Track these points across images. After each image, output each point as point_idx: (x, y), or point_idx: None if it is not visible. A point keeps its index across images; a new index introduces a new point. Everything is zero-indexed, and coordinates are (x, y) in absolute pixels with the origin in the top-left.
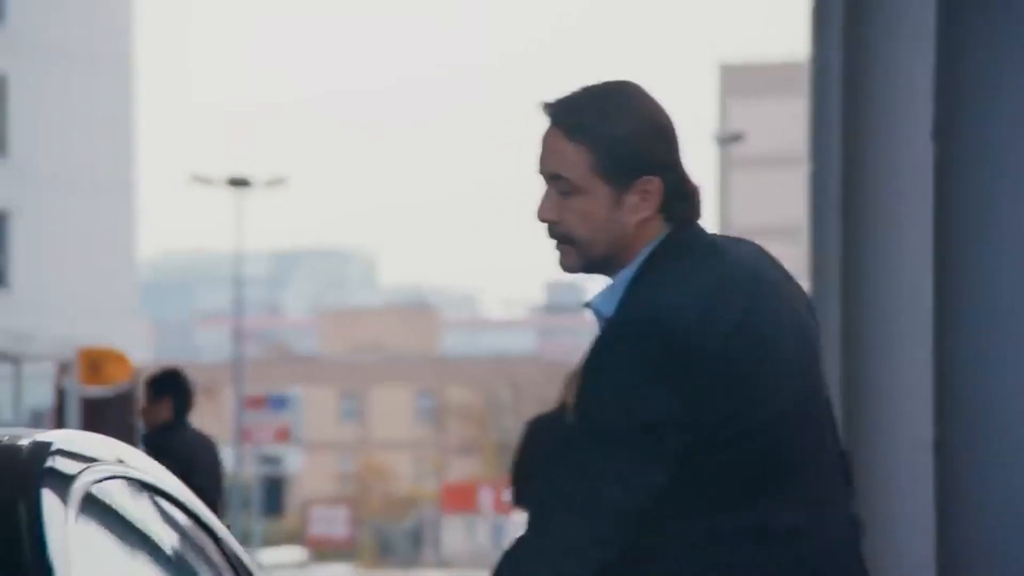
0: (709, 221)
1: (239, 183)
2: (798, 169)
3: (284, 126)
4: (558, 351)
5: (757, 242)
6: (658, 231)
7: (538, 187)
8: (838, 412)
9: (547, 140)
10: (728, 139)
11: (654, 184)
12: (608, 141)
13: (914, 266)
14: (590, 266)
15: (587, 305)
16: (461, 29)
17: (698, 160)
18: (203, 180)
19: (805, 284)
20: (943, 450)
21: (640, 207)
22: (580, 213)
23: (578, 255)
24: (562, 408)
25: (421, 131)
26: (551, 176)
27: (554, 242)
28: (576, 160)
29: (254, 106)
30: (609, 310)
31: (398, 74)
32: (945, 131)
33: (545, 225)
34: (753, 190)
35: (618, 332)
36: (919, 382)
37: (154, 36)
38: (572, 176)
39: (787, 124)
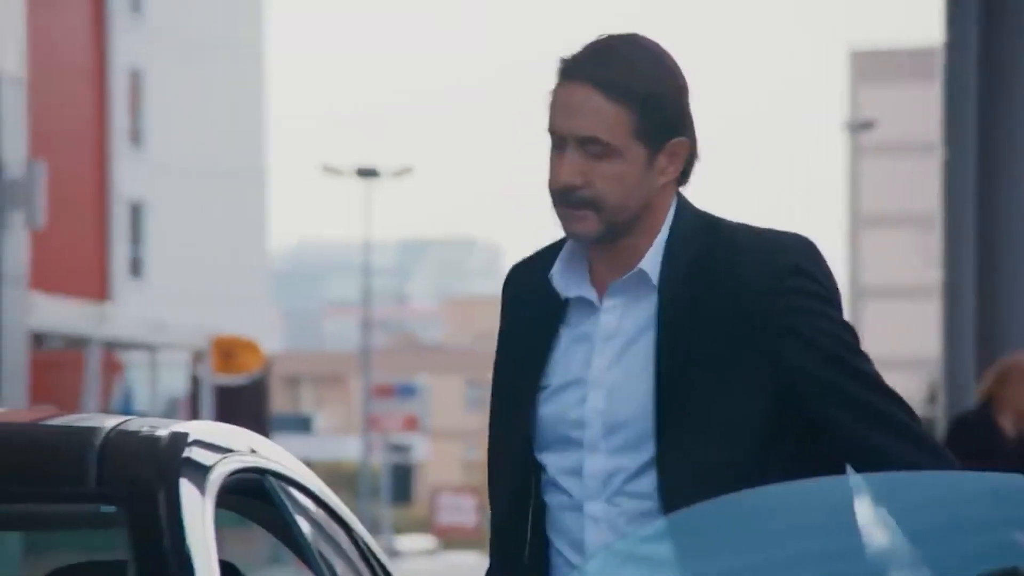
0: (839, 209)
1: (368, 173)
2: (931, 157)
3: (411, 116)
4: None
5: (889, 231)
6: (672, 193)
7: (549, 148)
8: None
9: (577, 99)
10: (859, 126)
11: (683, 145)
12: (650, 101)
13: None
14: (609, 233)
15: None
16: (590, 14)
17: (828, 148)
18: (333, 171)
19: (939, 273)
20: None
21: (667, 169)
22: (613, 177)
23: (600, 221)
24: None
25: (541, 120)
26: (583, 139)
27: (565, 208)
28: (617, 122)
29: (382, 96)
30: (653, 272)
31: (524, 62)
32: None
33: (557, 190)
34: (884, 178)
35: (813, 267)
36: None
37: (285, 28)
38: (611, 139)
39: (919, 111)
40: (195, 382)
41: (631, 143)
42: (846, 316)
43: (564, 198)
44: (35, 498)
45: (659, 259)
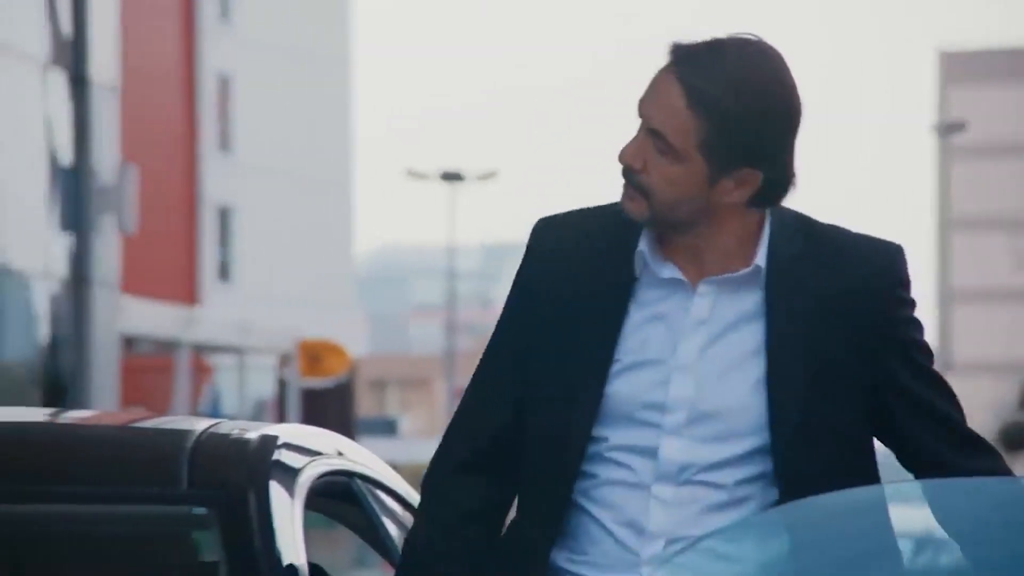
0: (928, 212)
1: (452, 177)
2: (1021, 158)
3: (496, 119)
4: None
5: (979, 234)
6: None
7: (633, 124)
8: None
9: (662, 89)
10: (948, 128)
11: (754, 177)
12: (728, 122)
13: None
14: (660, 223)
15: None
16: (672, 15)
17: (916, 150)
18: (417, 175)
19: None
20: None
21: (732, 194)
22: (668, 176)
23: (650, 211)
24: None
25: (628, 122)
26: (651, 129)
27: (625, 184)
28: (686, 128)
29: (467, 100)
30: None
31: (608, 64)
32: None
33: (622, 165)
34: (974, 180)
35: (909, 278)
36: None
37: (371, 33)
38: (675, 141)
39: (1010, 112)
40: (282, 385)
41: (694, 153)
42: (935, 320)
43: (624, 175)
44: (127, 500)
45: (763, 255)
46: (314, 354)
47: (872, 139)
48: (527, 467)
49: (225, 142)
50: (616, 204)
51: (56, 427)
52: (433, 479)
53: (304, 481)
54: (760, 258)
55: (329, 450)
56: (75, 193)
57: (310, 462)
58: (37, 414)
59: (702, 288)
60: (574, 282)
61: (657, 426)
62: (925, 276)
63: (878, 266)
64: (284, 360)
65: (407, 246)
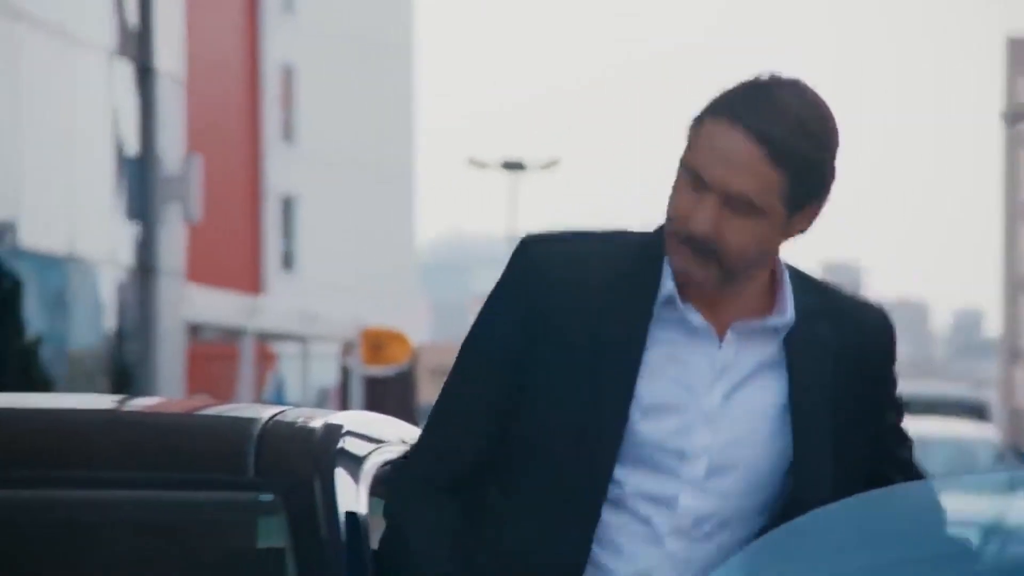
0: (995, 200)
1: (514, 166)
2: None
3: (558, 109)
4: None
5: None
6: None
7: (678, 179)
8: None
9: (737, 151)
10: (1016, 116)
11: (817, 208)
12: (805, 164)
13: None
14: (725, 283)
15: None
16: (738, 3)
17: (983, 138)
18: (479, 164)
19: None
20: None
21: (800, 227)
22: (748, 233)
23: (720, 269)
24: None
25: (687, 112)
26: (731, 194)
27: (686, 250)
28: (770, 184)
29: (529, 90)
30: (790, 315)
31: (670, 54)
32: None
33: (684, 232)
34: None
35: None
36: None
37: (434, 23)
38: (760, 201)
39: None
40: (345, 373)
41: (777, 205)
42: (1002, 309)
43: (689, 241)
44: (194, 486)
45: (791, 306)
46: (377, 342)
47: (940, 128)
48: (533, 503)
49: (288, 132)
50: (621, 235)
51: (123, 414)
52: (409, 493)
53: (369, 468)
54: (789, 309)
55: (393, 437)
56: (141, 183)
57: (375, 449)
58: (104, 401)
59: (729, 335)
60: (588, 314)
61: (676, 475)
62: (992, 265)
63: (880, 325)
64: (347, 348)
65: (469, 235)
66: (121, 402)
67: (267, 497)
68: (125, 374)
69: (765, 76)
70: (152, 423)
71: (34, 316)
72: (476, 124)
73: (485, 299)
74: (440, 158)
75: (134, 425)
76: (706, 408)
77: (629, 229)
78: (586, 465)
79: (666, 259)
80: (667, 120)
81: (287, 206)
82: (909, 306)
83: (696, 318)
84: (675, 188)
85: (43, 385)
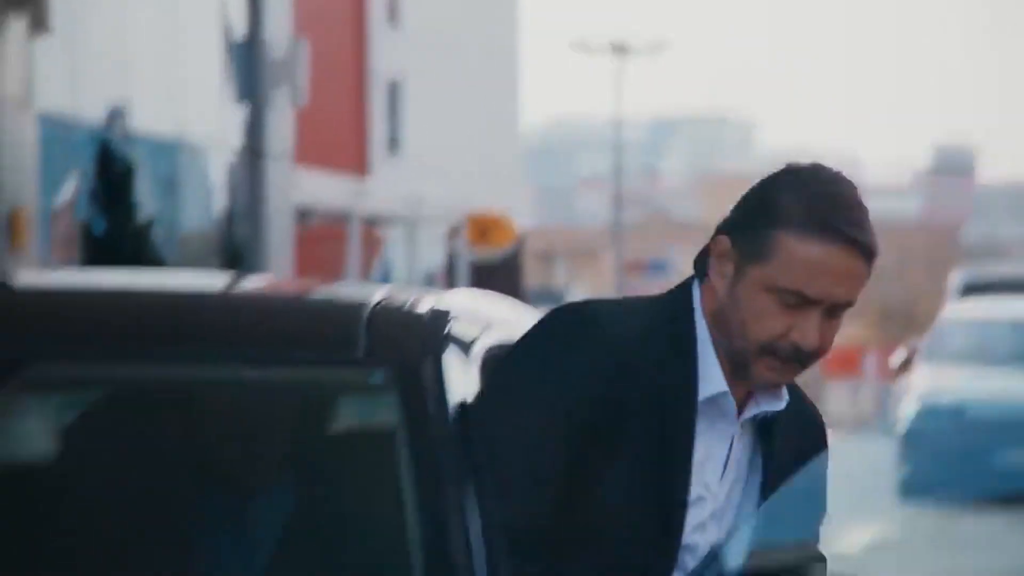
0: None
1: (619, 49)
2: None
3: None
4: (945, 216)
5: None
6: None
7: (759, 299)
8: None
9: (847, 266)
10: None
11: None
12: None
13: None
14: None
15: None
16: None
17: None
18: (584, 47)
19: None
20: None
21: None
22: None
23: (803, 369)
24: None
25: None
26: (840, 304)
27: (778, 362)
28: (865, 281)
29: None
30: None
31: None
32: None
33: (802, 351)
34: None
35: None
36: None
37: None
38: (855, 300)
39: None
40: (451, 257)
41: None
42: None
43: (796, 356)
44: (307, 362)
45: (784, 392)
46: (482, 226)
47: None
48: None
49: (393, 15)
50: (656, 303)
51: (238, 293)
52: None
53: (479, 350)
54: (786, 393)
55: (501, 319)
56: (249, 67)
57: (484, 330)
58: (219, 280)
59: (744, 425)
60: (650, 404)
61: (683, 568)
62: None
63: (820, 427)
64: (453, 232)
65: (574, 119)
66: (234, 281)
67: (379, 376)
68: (235, 256)
69: (827, 176)
70: (266, 303)
71: (146, 199)
72: (582, 5)
73: (533, 350)
74: (546, 41)
75: (249, 303)
76: (716, 504)
77: (641, 300)
78: (646, 559)
79: (702, 349)
80: (777, 5)
81: (392, 89)
82: (1022, 188)
83: (745, 410)
84: (759, 309)
85: (155, 267)
